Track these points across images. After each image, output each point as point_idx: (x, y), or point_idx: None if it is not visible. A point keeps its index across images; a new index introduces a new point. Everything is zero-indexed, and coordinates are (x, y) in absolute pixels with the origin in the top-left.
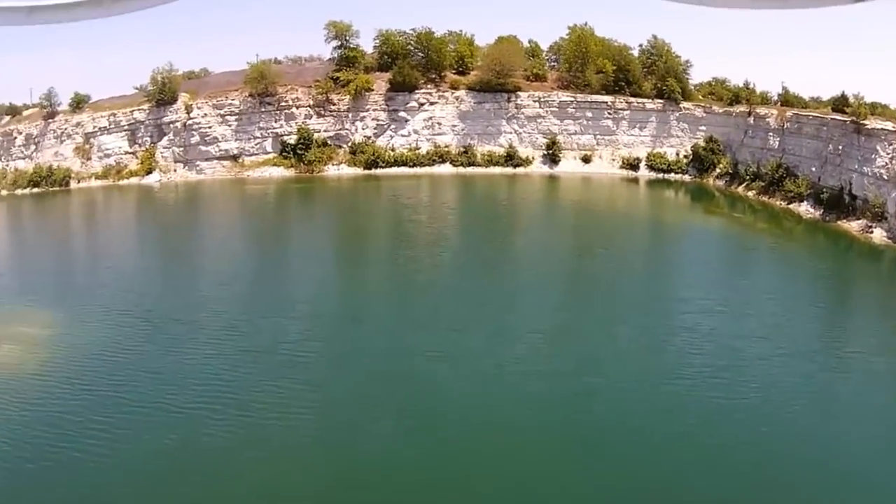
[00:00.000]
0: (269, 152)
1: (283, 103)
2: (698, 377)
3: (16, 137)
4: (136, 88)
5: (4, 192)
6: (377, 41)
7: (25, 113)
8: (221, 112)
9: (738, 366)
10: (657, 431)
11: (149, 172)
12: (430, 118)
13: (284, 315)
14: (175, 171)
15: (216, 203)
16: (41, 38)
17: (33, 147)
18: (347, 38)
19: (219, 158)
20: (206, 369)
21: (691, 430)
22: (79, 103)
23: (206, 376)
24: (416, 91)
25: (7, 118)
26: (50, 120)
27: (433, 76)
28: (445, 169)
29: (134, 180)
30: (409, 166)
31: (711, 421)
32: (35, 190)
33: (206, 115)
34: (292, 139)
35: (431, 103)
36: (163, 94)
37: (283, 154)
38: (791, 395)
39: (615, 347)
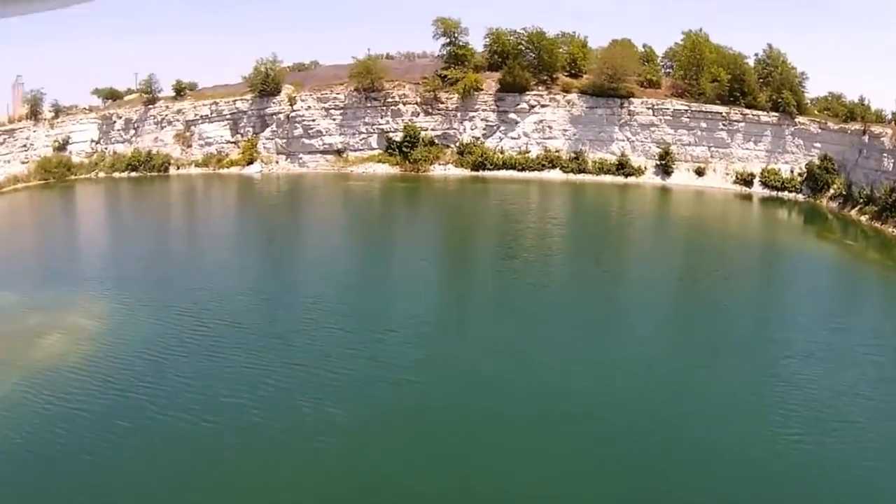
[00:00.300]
0: (375, 148)
1: (389, 99)
2: (786, 449)
3: (115, 121)
4: (244, 78)
5: (102, 175)
6: (487, 39)
7: (127, 98)
8: (326, 105)
9: (829, 432)
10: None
11: (250, 163)
12: (541, 121)
13: (376, 325)
14: (277, 162)
15: (318, 197)
16: (148, 24)
17: (132, 132)
18: (456, 35)
19: (322, 152)
20: (262, 379)
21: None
22: (181, 90)
23: (261, 386)
24: (527, 92)
25: (109, 101)
26: (150, 106)
27: (544, 78)
28: (555, 175)
29: (234, 170)
30: (518, 170)
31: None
32: (133, 174)
33: (309, 107)
34: (398, 136)
35: (542, 106)
36: (265, 85)
37: (389, 151)
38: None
39: (694, 400)
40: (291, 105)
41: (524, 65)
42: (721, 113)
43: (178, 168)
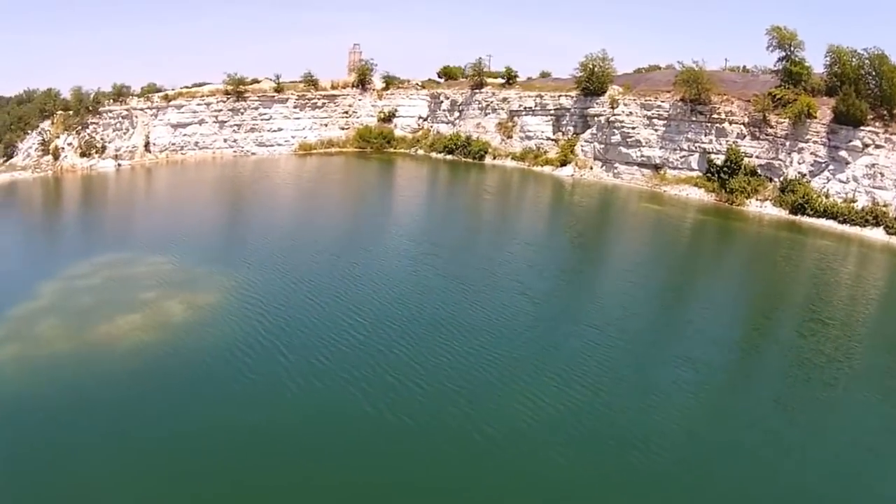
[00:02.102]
0: (694, 169)
1: (714, 115)
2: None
3: (442, 101)
4: (572, 75)
5: (421, 152)
6: (828, 58)
7: (461, 80)
8: (648, 114)
9: None
10: None
11: (563, 164)
12: (873, 165)
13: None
14: (591, 168)
15: (626, 218)
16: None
17: (457, 114)
18: (792, 48)
19: (639, 164)
20: None
21: None
22: (510, 78)
23: None
24: (862, 128)
25: (443, 80)
26: (476, 90)
27: (883, 112)
28: (876, 235)
29: (547, 169)
30: (838, 221)
31: None
32: (448, 157)
33: (631, 113)
34: (719, 159)
35: (877, 146)
36: (590, 83)
37: (708, 175)
38: None
39: None
40: (612, 108)
41: (863, 93)
42: None
43: (495, 158)
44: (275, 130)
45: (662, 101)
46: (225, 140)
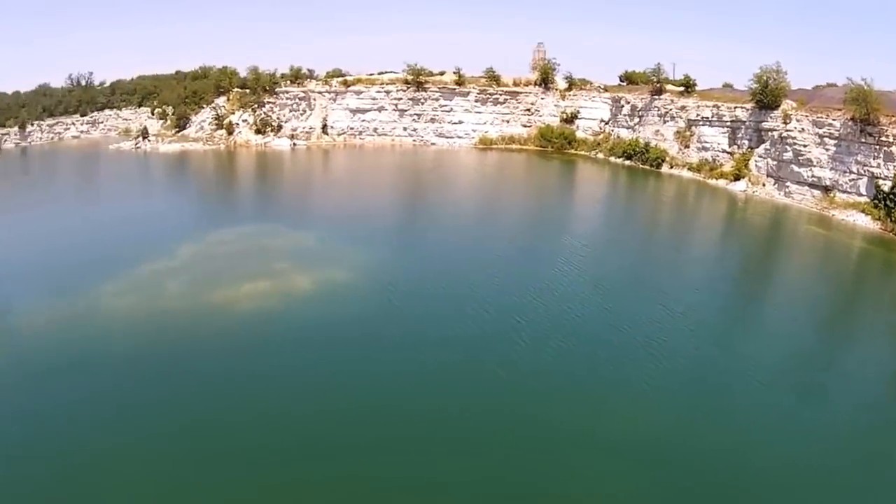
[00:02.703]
0: (862, 195)
1: (882, 138)
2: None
3: (623, 106)
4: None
5: (601, 156)
6: None
7: (640, 85)
8: (820, 132)
9: None
10: None
11: (737, 178)
12: None
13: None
14: (763, 185)
15: (792, 241)
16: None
17: (637, 119)
18: None
19: (810, 185)
20: None
21: None
22: (688, 86)
23: None
24: None
25: (624, 84)
26: (656, 97)
27: None
28: None
29: (721, 182)
30: None
31: None
32: (626, 162)
33: (803, 130)
34: (886, 185)
35: None
36: (764, 96)
37: (875, 201)
38: None
39: None
40: (785, 123)
41: None
42: None
43: (672, 167)
44: (455, 122)
45: (833, 120)
46: (405, 128)
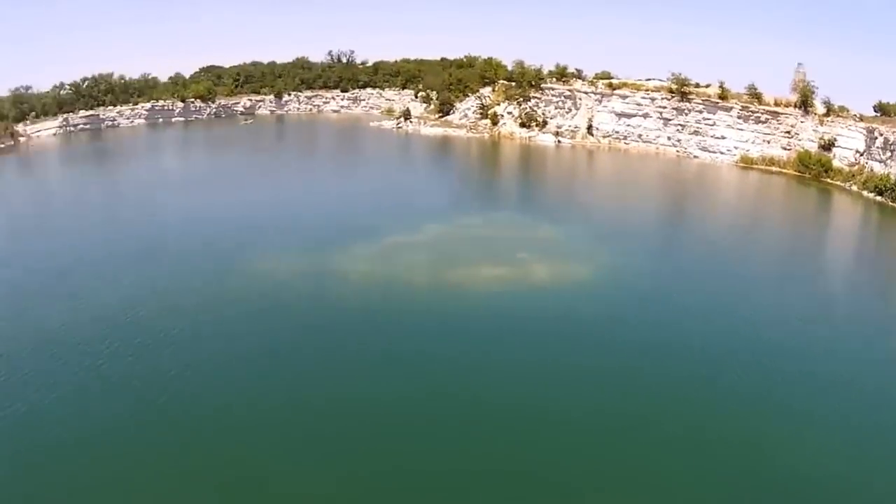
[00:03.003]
0: None
1: None
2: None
3: (876, 138)
4: None
5: (854, 188)
6: None
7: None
8: None
9: None
10: None
11: None
12: None
13: None
14: None
15: None
16: None
17: (889, 153)
18: None
19: None
20: None
21: None
22: None
23: None
24: None
25: (879, 115)
26: None
27: None
28: None
29: None
30: None
31: None
32: (878, 198)
33: None
34: None
35: None
36: None
37: None
38: None
39: None
40: None
41: None
42: None
43: None
44: (718, 137)
45: None
46: (668, 137)
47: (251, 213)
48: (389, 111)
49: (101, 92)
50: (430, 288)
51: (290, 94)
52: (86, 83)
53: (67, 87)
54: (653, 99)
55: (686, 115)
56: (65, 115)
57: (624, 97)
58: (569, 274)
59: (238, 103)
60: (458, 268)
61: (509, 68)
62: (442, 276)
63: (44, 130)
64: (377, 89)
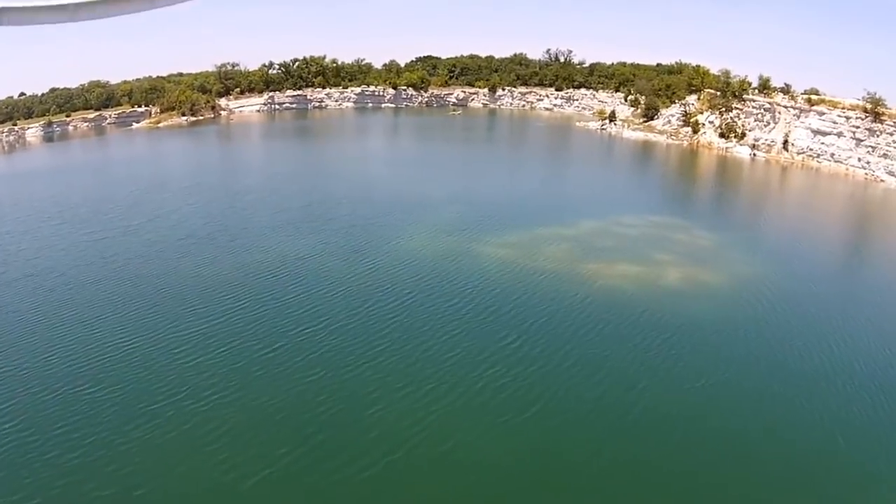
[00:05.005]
0: None
1: None
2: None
3: None
4: None
5: None
6: None
7: None
8: None
9: None
10: None
11: None
12: None
13: None
14: None
15: None
16: None
17: None
18: None
19: None
20: None
21: None
22: None
23: None
24: None
25: None
26: None
27: None
28: None
29: None
30: None
31: None
32: None
33: None
34: None
35: None
36: None
37: None
38: None
39: None
40: None
41: None
42: None
43: None
44: None
45: None
46: (859, 159)
47: (458, 196)
48: (601, 113)
49: (311, 74)
50: (558, 277)
51: (503, 89)
52: (296, 64)
53: (277, 66)
54: (847, 118)
55: (877, 136)
56: (271, 94)
57: (821, 114)
58: (702, 280)
59: (451, 94)
60: (593, 262)
61: (715, 73)
62: (575, 267)
63: (247, 106)
64: (591, 90)
